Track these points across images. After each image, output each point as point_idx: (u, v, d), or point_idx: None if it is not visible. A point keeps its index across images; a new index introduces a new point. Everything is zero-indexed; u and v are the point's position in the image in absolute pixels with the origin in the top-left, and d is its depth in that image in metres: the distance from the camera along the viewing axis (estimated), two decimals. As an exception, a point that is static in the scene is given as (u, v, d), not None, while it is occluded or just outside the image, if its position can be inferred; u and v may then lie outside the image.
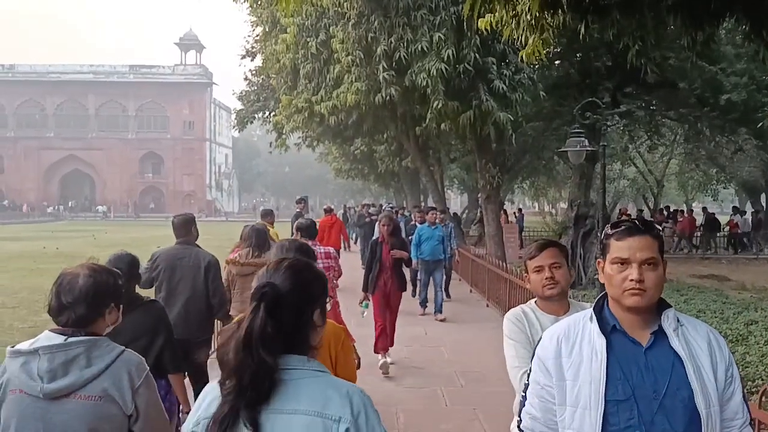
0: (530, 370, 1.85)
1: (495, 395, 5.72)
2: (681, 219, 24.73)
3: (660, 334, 1.70)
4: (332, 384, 1.52)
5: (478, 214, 25.23)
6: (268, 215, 8.37)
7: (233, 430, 1.43)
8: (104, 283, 2.12)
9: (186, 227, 4.86)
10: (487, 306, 10.75)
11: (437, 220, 10.48)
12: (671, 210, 27.65)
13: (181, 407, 3.32)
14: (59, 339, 1.98)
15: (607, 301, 1.80)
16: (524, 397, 1.87)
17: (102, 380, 1.98)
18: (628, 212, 23.45)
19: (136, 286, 3.51)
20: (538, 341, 1.87)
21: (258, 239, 5.23)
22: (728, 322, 8.94)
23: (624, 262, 1.70)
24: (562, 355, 1.75)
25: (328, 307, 1.71)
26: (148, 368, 2.14)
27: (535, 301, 2.63)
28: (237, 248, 6.44)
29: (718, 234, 24.13)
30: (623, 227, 1.75)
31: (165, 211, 64.09)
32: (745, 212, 25.26)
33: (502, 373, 6.54)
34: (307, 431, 1.43)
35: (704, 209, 28.25)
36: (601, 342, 1.70)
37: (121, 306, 2.23)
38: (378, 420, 1.52)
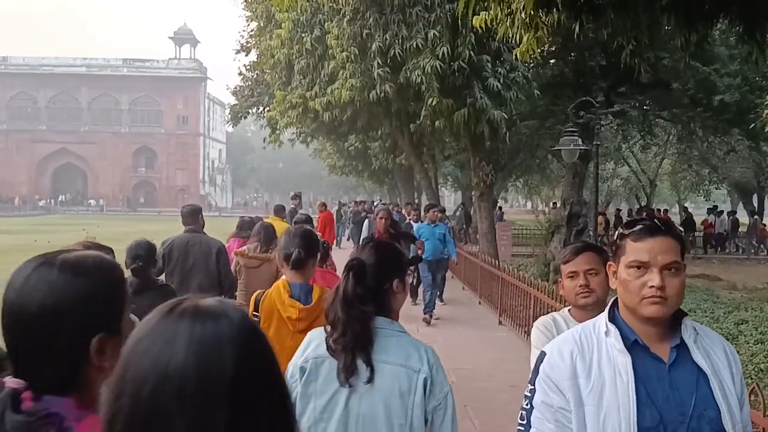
0: (532, 392, 1.63)
1: (486, 392, 5.75)
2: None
3: (681, 348, 1.52)
4: (412, 342, 1.90)
5: (462, 211, 25.25)
6: (281, 211, 8.83)
7: (354, 372, 1.81)
8: None
9: (194, 216, 5.34)
10: (480, 304, 10.77)
11: (437, 219, 9.84)
12: (648, 208, 27.74)
13: None
14: None
15: (617, 309, 1.60)
16: (527, 425, 1.62)
17: None
18: (606, 212, 23.55)
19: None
20: (540, 356, 1.65)
21: (266, 236, 5.44)
22: (719, 321, 9.01)
23: (642, 266, 1.50)
24: (579, 375, 1.53)
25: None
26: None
27: (569, 309, 2.45)
28: (232, 238, 6.59)
29: (692, 234, 24.22)
30: (641, 226, 1.54)
31: (157, 205, 63.83)
32: (722, 212, 25.29)
33: (493, 370, 6.58)
34: (394, 378, 1.81)
35: (685, 209, 28.35)
36: (624, 360, 1.50)
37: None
38: (444, 374, 1.88)
